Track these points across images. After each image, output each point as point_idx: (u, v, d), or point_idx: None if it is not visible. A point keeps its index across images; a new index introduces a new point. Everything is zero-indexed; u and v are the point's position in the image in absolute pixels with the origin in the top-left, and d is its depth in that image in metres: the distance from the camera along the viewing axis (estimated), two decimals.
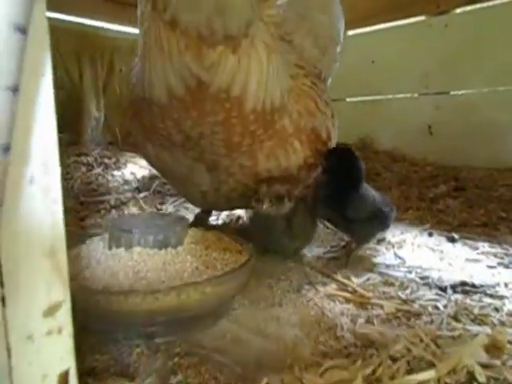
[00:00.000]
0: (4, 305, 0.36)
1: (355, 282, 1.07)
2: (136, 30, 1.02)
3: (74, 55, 2.87)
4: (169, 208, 1.87)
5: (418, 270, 1.15)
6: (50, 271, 0.39)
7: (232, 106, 0.96)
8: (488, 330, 0.82)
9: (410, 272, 1.14)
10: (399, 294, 1.00)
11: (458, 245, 1.37)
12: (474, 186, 2.11)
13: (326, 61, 1.51)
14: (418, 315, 0.90)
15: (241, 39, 0.91)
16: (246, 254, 0.96)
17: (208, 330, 0.84)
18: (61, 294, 0.41)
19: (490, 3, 2.46)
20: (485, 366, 0.69)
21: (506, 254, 1.26)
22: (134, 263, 0.86)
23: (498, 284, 1.04)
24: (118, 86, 3.05)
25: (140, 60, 1.02)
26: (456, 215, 1.71)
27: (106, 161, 2.51)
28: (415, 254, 1.30)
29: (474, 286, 1.03)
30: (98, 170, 2.36)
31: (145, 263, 0.86)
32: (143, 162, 2.31)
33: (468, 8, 2.56)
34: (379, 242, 1.38)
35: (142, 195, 2.02)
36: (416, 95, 2.89)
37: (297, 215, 1.18)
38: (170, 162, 1.17)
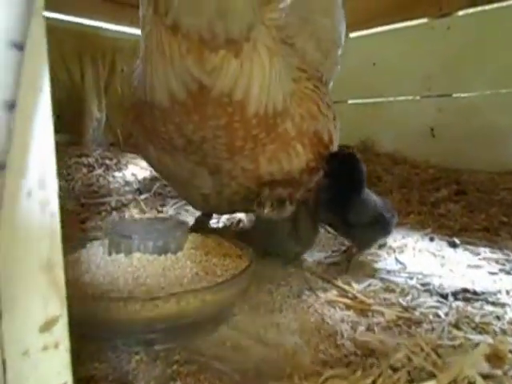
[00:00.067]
0: (0, 319, 0.36)
1: (356, 288, 1.07)
2: (137, 31, 1.02)
3: (75, 55, 2.86)
4: (170, 210, 1.86)
5: (419, 276, 1.14)
6: (47, 285, 0.39)
7: (234, 111, 0.95)
8: (489, 338, 0.81)
9: (411, 278, 1.13)
10: (400, 300, 1.00)
11: (460, 250, 1.37)
12: (476, 189, 2.10)
13: (328, 64, 1.51)
14: (418, 323, 0.89)
15: (243, 43, 0.90)
16: (246, 260, 0.96)
17: (208, 337, 0.83)
18: (58, 308, 0.40)
19: (493, 6, 2.45)
20: (486, 377, 0.68)
21: (508, 260, 1.25)
22: (134, 269, 0.85)
23: (499, 291, 1.04)
24: (119, 86, 3.04)
25: (141, 63, 1.01)
26: (457, 219, 1.70)
27: (107, 162, 2.50)
28: (416, 259, 1.29)
29: (475, 293, 1.03)
30: (99, 171, 2.36)
31: (144, 269, 0.86)
32: (144, 163, 2.30)
33: (470, 10, 2.55)
34: (380, 246, 1.37)
35: (142, 197, 2.02)
36: (418, 98, 2.88)
37: (301, 218, 1.17)
38: (171, 165, 1.17)
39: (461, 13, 2.61)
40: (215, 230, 1.57)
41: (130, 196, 2.01)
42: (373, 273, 1.18)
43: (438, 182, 2.28)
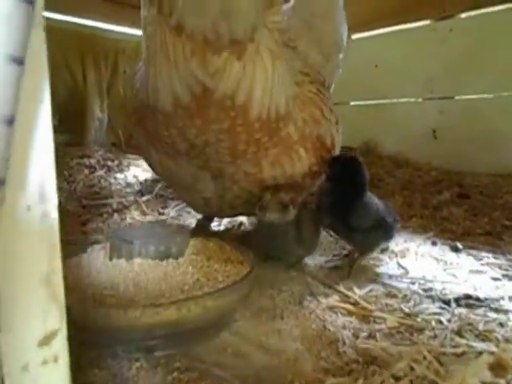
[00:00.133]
0: None
1: (357, 293, 1.06)
2: (139, 32, 1.01)
3: (78, 56, 2.87)
4: (171, 212, 1.86)
5: (422, 282, 1.14)
6: (47, 299, 0.38)
7: (237, 114, 0.95)
8: (492, 346, 0.81)
9: (413, 283, 1.13)
10: (402, 306, 0.99)
11: (462, 255, 1.36)
12: (478, 192, 2.09)
13: (329, 67, 1.50)
14: (421, 330, 0.88)
15: (246, 44, 0.90)
16: (247, 265, 0.95)
17: (209, 343, 0.83)
18: (57, 321, 0.40)
19: (495, 8, 2.44)
20: None
21: (511, 266, 1.24)
22: (135, 275, 0.85)
23: (502, 297, 1.03)
24: (121, 88, 3.04)
25: (144, 64, 1.01)
26: (460, 223, 1.69)
27: (109, 163, 2.50)
28: (418, 263, 1.28)
29: (478, 299, 1.02)
30: (101, 173, 2.36)
31: (145, 275, 0.86)
32: (146, 165, 2.31)
33: (473, 13, 2.54)
34: (382, 251, 1.36)
35: (144, 199, 2.01)
36: (420, 100, 2.87)
37: (303, 222, 1.17)
38: (173, 169, 1.16)
39: (463, 15, 2.60)
40: (216, 233, 1.56)
41: (131, 198, 2.01)
42: (375, 277, 1.18)
43: (441, 184, 2.28)
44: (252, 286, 0.92)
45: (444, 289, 1.08)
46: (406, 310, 0.97)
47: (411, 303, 1.01)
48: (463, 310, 0.97)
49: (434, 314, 0.96)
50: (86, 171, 2.34)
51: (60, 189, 1.85)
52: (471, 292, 1.05)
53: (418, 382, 0.69)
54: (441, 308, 0.99)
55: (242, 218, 1.69)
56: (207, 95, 0.90)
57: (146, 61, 0.98)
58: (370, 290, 1.09)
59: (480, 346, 0.81)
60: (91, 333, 0.75)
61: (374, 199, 1.21)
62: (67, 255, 0.94)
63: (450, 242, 1.46)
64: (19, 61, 0.28)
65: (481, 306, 0.99)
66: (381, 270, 1.24)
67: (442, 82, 2.71)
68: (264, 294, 1.05)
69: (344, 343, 0.83)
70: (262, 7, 0.93)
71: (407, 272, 1.21)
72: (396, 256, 1.34)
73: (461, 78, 2.60)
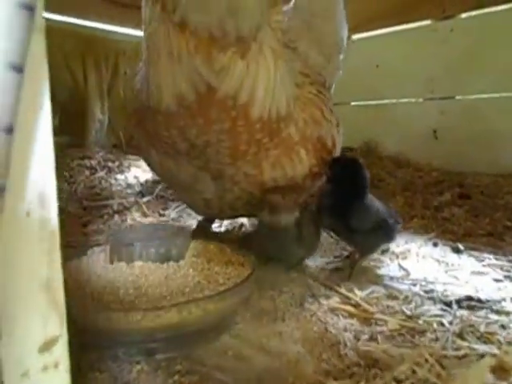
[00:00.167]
0: None
1: (359, 294, 1.06)
2: (140, 33, 1.01)
3: (78, 57, 2.87)
4: (171, 213, 1.86)
5: (423, 283, 1.13)
6: (47, 305, 0.38)
7: (238, 114, 0.94)
8: (494, 349, 0.80)
9: (415, 285, 1.13)
10: (403, 308, 0.99)
11: (464, 256, 1.35)
12: (480, 192, 2.08)
13: (330, 68, 1.50)
14: (422, 332, 0.88)
15: (250, 43, 0.89)
16: (248, 267, 0.95)
17: (210, 346, 0.83)
18: (57, 327, 0.40)
19: (496, 8, 2.43)
20: None
21: None
22: (135, 278, 0.85)
23: (504, 299, 1.03)
24: (122, 89, 3.04)
25: (144, 65, 1.00)
26: (461, 224, 1.69)
27: (110, 164, 2.51)
28: (420, 265, 1.28)
29: (479, 300, 1.02)
30: (102, 174, 2.36)
31: (146, 278, 0.85)
32: (146, 166, 2.30)
33: (474, 13, 2.54)
34: (383, 252, 1.36)
35: (145, 200, 2.01)
36: (421, 100, 2.86)
37: (304, 223, 1.17)
38: (173, 169, 1.16)
39: (464, 15, 2.60)
40: (217, 235, 1.56)
41: (132, 199, 2.01)
42: (376, 279, 1.17)
43: (442, 185, 2.27)
44: (253, 288, 0.92)
45: (445, 290, 1.08)
46: (408, 312, 0.97)
47: (412, 305, 1.01)
48: (465, 312, 0.97)
49: (436, 316, 0.95)
50: (87, 172, 2.34)
51: (61, 190, 1.85)
52: (473, 294, 1.05)
53: None
54: (442, 310, 0.98)
55: (243, 220, 1.69)
56: (210, 94, 0.90)
57: (146, 61, 0.97)
58: (371, 292, 1.09)
59: (482, 348, 0.81)
60: (92, 335, 0.75)
61: (374, 200, 1.21)
62: (68, 258, 0.94)
63: (452, 243, 1.46)
64: (19, 68, 0.28)
65: (482, 308, 0.99)
66: (382, 271, 1.24)
67: (442, 82, 2.70)
68: (265, 295, 1.05)
69: (345, 345, 0.83)
70: (267, 6, 0.93)
71: (408, 273, 1.21)
72: (397, 257, 1.34)
73: (461, 78, 2.60)
